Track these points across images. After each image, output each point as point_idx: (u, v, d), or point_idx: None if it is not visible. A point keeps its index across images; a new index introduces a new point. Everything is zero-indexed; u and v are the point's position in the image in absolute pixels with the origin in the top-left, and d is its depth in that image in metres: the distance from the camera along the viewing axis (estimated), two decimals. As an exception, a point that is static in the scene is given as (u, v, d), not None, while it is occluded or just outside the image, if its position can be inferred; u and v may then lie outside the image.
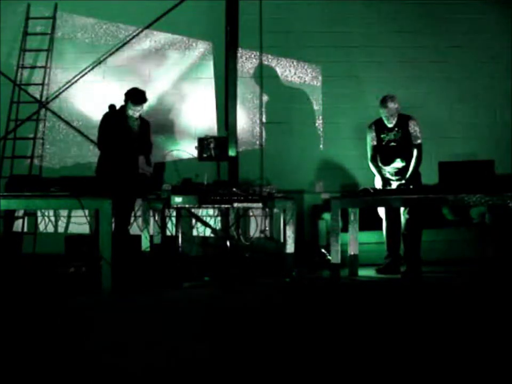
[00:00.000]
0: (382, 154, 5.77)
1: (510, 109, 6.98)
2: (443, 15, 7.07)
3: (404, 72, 6.98)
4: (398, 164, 5.71)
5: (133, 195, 5.82)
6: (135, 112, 5.87)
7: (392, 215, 5.75)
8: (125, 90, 5.93)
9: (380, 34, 7.02)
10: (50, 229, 6.87)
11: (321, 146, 7.08)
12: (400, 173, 5.73)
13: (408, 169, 5.69)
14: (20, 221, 6.61)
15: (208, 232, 6.77)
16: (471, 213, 6.58)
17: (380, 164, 5.78)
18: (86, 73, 7.00)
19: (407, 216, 5.65)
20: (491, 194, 5.16)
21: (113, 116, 5.87)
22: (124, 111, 5.89)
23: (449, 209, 6.58)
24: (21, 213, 6.57)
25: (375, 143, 5.78)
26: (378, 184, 5.81)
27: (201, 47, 7.09)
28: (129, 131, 5.88)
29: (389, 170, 5.77)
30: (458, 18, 7.06)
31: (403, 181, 5.68)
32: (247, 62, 7.07)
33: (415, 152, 5.69)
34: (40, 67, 7.03)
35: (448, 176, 5.18)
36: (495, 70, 7.03)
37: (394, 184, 5.73)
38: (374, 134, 5.78)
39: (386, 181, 5.73)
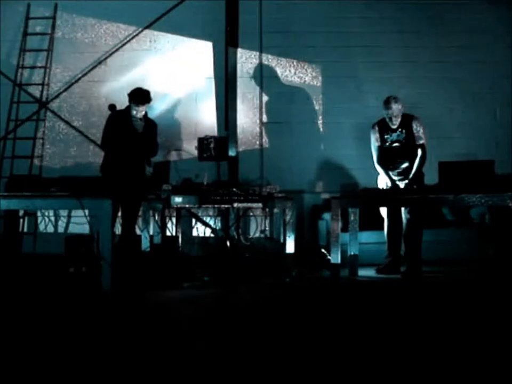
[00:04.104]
0: (386, 156, 5.75)
1: (510, 109, 6.98)
2: (443, 15, 7.08)
3: (404, 72, 6.98)
4: (403, 165, 5.71)
5: (138, 196, 5.81)
6: (138, 112, 5.84)
7: (394, 215, 5.74)
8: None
9: (380, 34, 7.02)
10: (50, 229, 6.87)
11: (321, 146, 7.08)
12: (403, 173, 5.72)
13: (411, 169, 5.68)
14: (20, 220, 6.61)
15: (208, 232, 6.77)
16: (471, 213, 6.58)
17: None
18: (86, 73, 7.01)
19: (408, 216, 5.64)
20: (491, 194, 5.16)
21: (118, 116, 5.86)
22: (129, 111, 5.88)
23: (449, 209, 6.57)
24: (21, 213, 6.57)
25: (379, 143, 5.76)
26: (381, 183, 5.80)
27: (201, 47, 7.09)
28: (134, 132, 5.86)
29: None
30: (458, 18, 7.06)
31: (406, 181, 5.67)
32: (247, 62, 7.07)
33: (419, 152, 5.68)
34: (40, 67, 7.04)
35: (448, 176, 5.17)
36: (495, 70, 7.03)
37: (401, 185, 5.70)
38: (377, 134, 5.75)
39: (394, 182, 5.69)
